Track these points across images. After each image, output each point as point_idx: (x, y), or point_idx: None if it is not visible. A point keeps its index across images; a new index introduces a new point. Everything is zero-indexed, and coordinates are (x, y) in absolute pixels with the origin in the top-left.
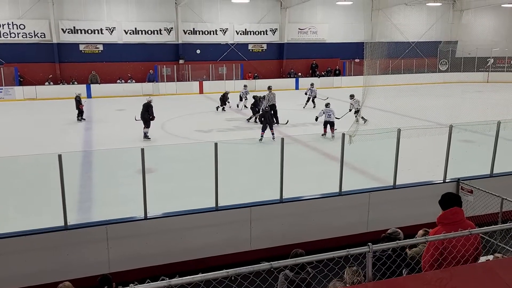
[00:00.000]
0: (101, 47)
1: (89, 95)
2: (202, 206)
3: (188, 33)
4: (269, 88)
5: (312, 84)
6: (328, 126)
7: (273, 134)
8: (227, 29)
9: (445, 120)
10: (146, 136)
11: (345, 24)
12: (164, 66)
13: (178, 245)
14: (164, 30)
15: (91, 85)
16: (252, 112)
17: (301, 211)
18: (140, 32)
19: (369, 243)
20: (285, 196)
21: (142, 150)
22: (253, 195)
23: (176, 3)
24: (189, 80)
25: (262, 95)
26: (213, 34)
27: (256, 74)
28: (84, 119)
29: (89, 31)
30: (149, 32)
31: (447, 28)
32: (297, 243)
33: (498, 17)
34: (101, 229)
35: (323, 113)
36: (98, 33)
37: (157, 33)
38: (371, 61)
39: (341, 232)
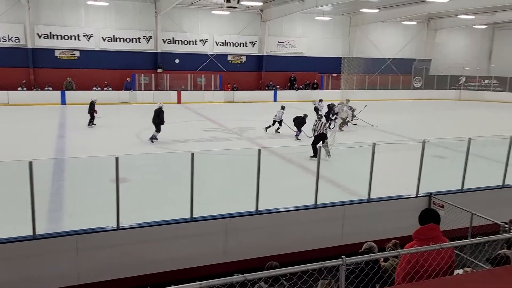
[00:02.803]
0: (77, 54)
1: (63, 102)
2: (176, 216)
3: (167, 42)
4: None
5: (320, 100)
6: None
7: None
8: (207, 39)
9: (418, 136)
10: (154, 138)
11: (324, 39)
12: (142, 74)
13: (151, 256)
14: (143, 38)
15: (66, 92)
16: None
17: (276, 223)
18: (118, 39)
19: (342, 256)
20: (260, 208)
21: (117, 158)
22: (229, 207)
23: (156, 12)
24: (167, 89)
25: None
26: (193, 44)
27: (234, 86)
28: (95, 124)
29: (66, 37)
30: (128, 40)
31: (422, 46)
32: (272, 255)
33: (470, 37)
34: (71, 240)
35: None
36: (75, 39)
37: (136, 41)
38: (348, 76)
39: (316, 244)
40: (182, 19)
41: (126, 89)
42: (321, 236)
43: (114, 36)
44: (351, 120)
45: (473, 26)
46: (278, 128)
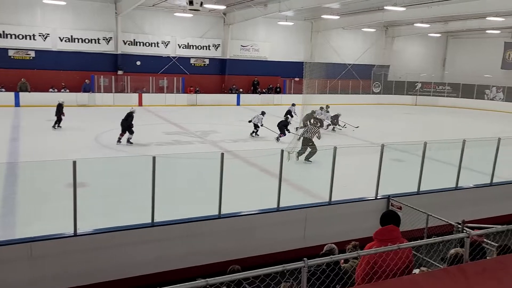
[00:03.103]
0: (33, 54)
1: (17, 104)
2: (137, 222)
3: (128, 44)
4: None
5: (293, 104)
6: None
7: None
8: (169, 42)
9: (378, 140)
10: (128, 141)
11: (286, 44)
12: (102, 76)
13: (110, 263)
14: (103, 39)
15: (20, 93)
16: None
17: (239, 227)
18: (76, 40)
19: (304, 258)
20: (223, 211)
21: (74, 162)
22: (191, 211)
23: (116, 13)
24: (127, 92)
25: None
26: (155, 46)
27: (197, 89)
28: (61, 127)
29: (20, 36)
30: (87, 40)
31: (380, 53)
32: (235, 259)
33: (425, 45)
34: (25, 247)
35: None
36: (30, 39)
37: (95, 42)
38: (310, 80)
39: (278, 247)
40: (144, 20)
41: (85, 91)
42: (284, 239)
43: (72, 36)
44: (337, 125)
45: (429, 34)
46: (256, 132)
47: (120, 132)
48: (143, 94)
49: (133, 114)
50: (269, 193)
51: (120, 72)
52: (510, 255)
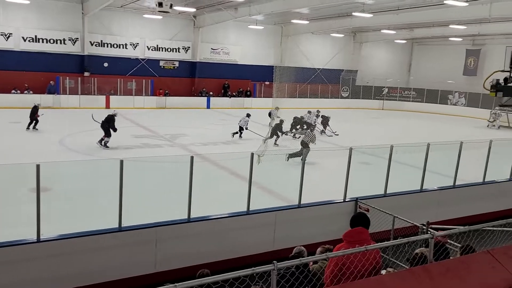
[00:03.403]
0: None
1: None
2: (104, 226)
3: (95, 45)
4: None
5: (276, 108)
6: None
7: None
8: (138, 43)
9: (346, 143)
10: (105, 145)
11: (257, 48)
12: (67, 77)
13: (75, 269)
14: (69, 40)
15: None
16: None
17: (209, 231)
18: (40, 40)
19: (274, 261)
20: (193, 215)
21: (37, 166)
22: (160, 215)
23: (83, 13)
24: (94, 94)
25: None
26: (123, 47)
27: (167, 91)
28: (37, 129)
29: None
30: (51, 41)
31: (349, 58)
32: (204, 263)
33: (392, 51)
34: None
35: None
36: None
37: (61, 43)
38: (280, 84)
39: (248, 251)
40: (112, 21)
41: (49, 92)
42: (254, 242)
43: (36, 36)
44: (325, 129)
45: (395, 41)
46: (240, 134)
47: (104, 134)
48: (111, 96)
49: (115, 116)
50: (239, 197)
51: (86, 74)
52: (472, 255)
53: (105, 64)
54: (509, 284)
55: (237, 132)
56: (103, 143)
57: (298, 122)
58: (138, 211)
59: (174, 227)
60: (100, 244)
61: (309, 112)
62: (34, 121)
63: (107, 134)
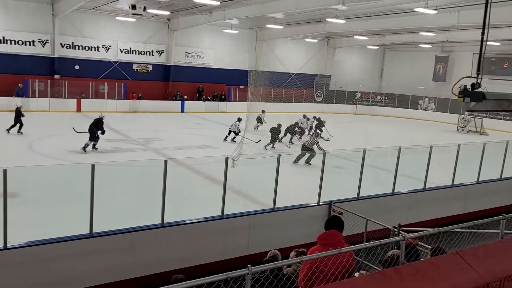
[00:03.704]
0: None
1: None
2: (74, 233)
3: (66, 47)
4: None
5: (263, 111)
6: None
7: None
8: (110, 46)
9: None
10: (86, 147)
11: (231, 52)
12: (37, 80)
13: (44, 277)
14: (38, 41)
15: None
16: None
17: (183, 236)
18: (8, 41)
19: (248, 265)
20: (167, 220)
21: (5, 171)
22: (133, 220)
23: (53, 15)
24: (65, 97)
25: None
26: (95, 50)
27: (140, 95)
28: (22, 133)
29: None
30: (20, 42)
31: (322, 63)
32: (179, 269)
33: (365, 56)
34: None
35: None
36: None
37: (30, 44)
38: (255, 88)
39: (223, 255)
40: (83, 23)
41: (18, 95)
42: (228, 247)
43: (4, 37)
44: (321, 133)
45: (367, 47)
46: (234, 138)
47: (89, 138)
48: (82, 100)
49: (103, 119)
50: (213, 201)
51: (57, 76)
52: (442, 256)
53: (76, 67)
54: (476, 285)
55: (228, 135)
56: (91, 146)
57: (292, 127)
58: (110, 216)
59: (147, 232)
60: (71, 251)
61: (304, 116)
62: (19, 124)
63: (95, 138)
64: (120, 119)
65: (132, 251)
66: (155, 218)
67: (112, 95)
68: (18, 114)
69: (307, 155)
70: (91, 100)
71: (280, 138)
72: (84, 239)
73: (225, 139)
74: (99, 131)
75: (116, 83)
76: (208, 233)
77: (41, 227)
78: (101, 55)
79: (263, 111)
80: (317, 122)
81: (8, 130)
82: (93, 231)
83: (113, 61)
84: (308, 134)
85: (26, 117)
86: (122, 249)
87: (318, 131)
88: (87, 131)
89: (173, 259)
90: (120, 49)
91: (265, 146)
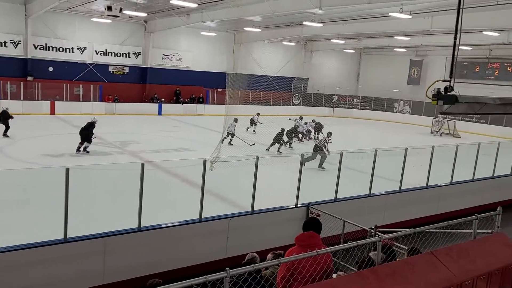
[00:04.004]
0: None
1: None
2: (47, 238)
3: (40, 49)
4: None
5: (258, 114)
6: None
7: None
8: (86, 48)
9: (297, 150)
10: (80, 149)
11: (209, 54)
12: (8, 82)
13: (16, 284)
14: (10, 42)
15: None
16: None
17: (160, 240)
18: None
19: (226, 268)
20: (143, 224)
21: None
22: (109, 224)
23: (26, 15)
24: (38, 99)
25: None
26: (69, 51)
27: (116, 97)
28: (8, 136)
29: None
30: None
31: (300, 66)
32: (156, 273)
33: (341, 60)
34: None
35: None
36: None
37: (2, 45)
38: (233, 91)
39: (201, 259)
40: (57, 24)
41: None
42: (206, 250)
43: None
44: (318, 135)
45: (344, 50)
46: (231, 140)
47: (79, 141)
48: (56, 102)
49: (95, 123)
50: (191, 204)
51: (30, 78)
52: (417, 256)
53: (50, 69)
54: (450, 284)
55: (225, 138)
56: (82, 149)
57: (292, 131)
58: (85, 221)
59: (123, 237)
60: (44, 257)
61: (301, 118)
62: (5, 127)
63: (88, 140)
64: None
65: (108, 256)
66: (132, 222)
67: (87, 98)
68: (6, 116)
69: (319, 159)
70: (66, 102)
71: (285, 141)
72: (58, 244)
73: (222, 142)
74: (90, 135)
75: (92, 85)
76: (185, 236)
77: (13, 232)
78: (76, 57)
79: (258, 114)
80: (315, 125)
81: (4, 135)
82: (68, 236)
83: (89, 63)
84: (306, 137)
85: None
86: (98, 254)
87: (316, 134)
88: (78, 133)
89: (150, 264)
90: (96, 51)
91: (267, 149)
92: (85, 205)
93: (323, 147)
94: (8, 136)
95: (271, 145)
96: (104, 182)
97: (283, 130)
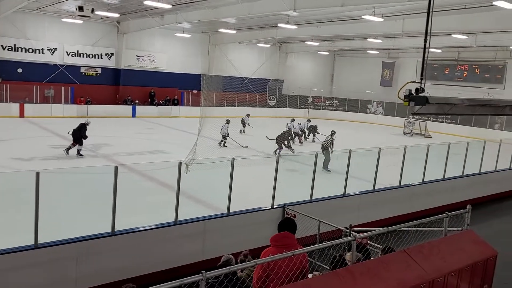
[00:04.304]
0: None
1: None
2: (17, 244)
3: (8, 49)
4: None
5: (248, 115)
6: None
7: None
8: (56, 49)
9: (272, 151)
10: (78, 153)
11: (184, 56)
12: None
13: None
14: None
15: None
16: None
17: (135, 243)
18: None
19: (202, 271)
20: (117, 228)
21: None
22: (82, 229)
23: None
24: (7, 102)
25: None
26: (39, 53)
27: (88, 99)
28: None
29: None
30: None
31: (275, 68)
32: (131, 278)
33: (316, 62)
34: None
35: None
36: None
37: None
38: (208, 93)
39: (177, 262)
40: (26, 24)
41: None
42: (182, 253)
43: None
44: (314, 137)
45: (318, 52)
46: (224, 142)
47: (71, 142)
48: (25, 104)
49: (87, 125)
50: (166, 207)
51: None
52: (390, 255)
53: (19, 70)
54: (423, 281)
55: (222, 141)
56: (70, 151)
57: (289, 133)
58: (57, 226)
59: (96, 241)
60: (14, 264)
61: (293, 120)
62: None
63: (79, 142)
64: (67, 124)
65: (81, 262)
66: (106, 227)
67: (58, 100)
68: None
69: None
70: (36, 104)
71: (286, 144)
72: (28, 251)
73: (219, 144)
74: (82, 136)
75: (63, 87)
76: (161, 240)
77: None
78: (46, 58)
79: (248, 115)
80: (311, 126)
81: None
82: (39, 242)
83: (59, 64)
84: (302, 137)
85: None
86: (70, 260)
87: (313, 135)
88: (71, 134)
89: (125, 268)
90: (67, 52)
91: (274, 151)
92: (56, 209)
93: (329, 147)
94: None
95: (281, 147)
96: (76, 186)
97: (284, 132)
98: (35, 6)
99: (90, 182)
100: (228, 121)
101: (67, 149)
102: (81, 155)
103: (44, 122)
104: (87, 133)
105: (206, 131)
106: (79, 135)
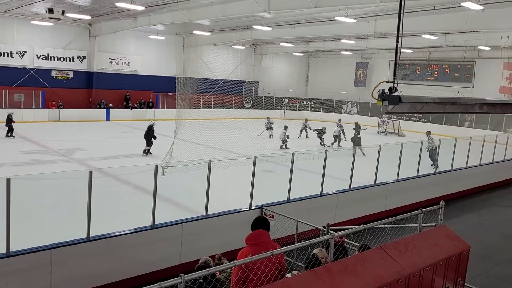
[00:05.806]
0: None
1: None
2: None
3: None
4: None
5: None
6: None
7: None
8: (26, 52)
9: (250, 152)
10: (145, 152)
11: (158, 58)
12: None
13: None
14: None
15: None
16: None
17: (111, 249)
18: None
19: (181, 274)
20: (93, 234)
21: None
22: (56, 236)
23: None
24: None
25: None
26: (8, 56)
27: (60, 103)
28: (14, 136)
29: None
30: None
31: (250, 70)
32: (108, 284)
33: (291, 63)
34: None
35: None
36: None
37: None
38: (183, 95)
39: (155, 266)
40: None
41: None
42: (160, 257)
43: None
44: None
45: (293, 53)
46: (286, 145)
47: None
48: None
49: (153, 127)
50: (143, 211)
51: None
52: (367, 252)
53: None
54: (399, 276)
55: (282, 146)
56: (146, 151)
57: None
58: (30, 233)
59: (71, 248)
60: None
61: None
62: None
63: (148, 143)
64: (38, 129)
65: (56, 269)
66: (81, 232)
67: (29, 104)
68: (9, 119)
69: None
70: (5, 109)
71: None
72: (0, 259)
73: (281, 147)
74: (151, 137)
75: (33, 91)
76: (138, 244)
77: None
78: (15, 62)
79: (268, 118)
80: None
81: (8, 136)
82: (11, 250)
83: (29, 68)
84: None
85: None
86: (44, 267)
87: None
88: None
89: (101, 274)
90: (37, 55)
91: (332, 144)
92: (29, 216)
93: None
94: (14, 136)
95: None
96: (49, 191)
97: (324, 128)
98: (3, 9)
99: (64, 188)
100: (286, 127)
101: (144, 152)
102: (150, 153)
103: (14, 127)
104: (155, 134)
105: (182, 134)
106: (149, 137)
